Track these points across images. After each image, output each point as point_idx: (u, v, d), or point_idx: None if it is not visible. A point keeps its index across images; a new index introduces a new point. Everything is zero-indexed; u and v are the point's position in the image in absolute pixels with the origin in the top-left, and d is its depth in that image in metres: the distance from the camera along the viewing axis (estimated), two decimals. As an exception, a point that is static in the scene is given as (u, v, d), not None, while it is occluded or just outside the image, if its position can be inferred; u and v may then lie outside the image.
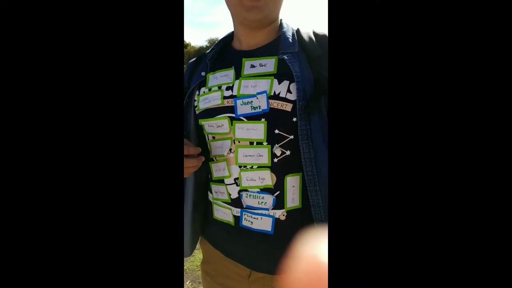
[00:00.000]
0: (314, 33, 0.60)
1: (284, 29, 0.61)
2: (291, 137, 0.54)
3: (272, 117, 0.55)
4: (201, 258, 0.75)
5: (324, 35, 0.59)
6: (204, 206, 0.67)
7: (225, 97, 0.59)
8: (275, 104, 0.54)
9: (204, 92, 0.62)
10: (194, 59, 0.71)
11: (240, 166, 0.58)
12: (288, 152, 0.55)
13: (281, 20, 0.65)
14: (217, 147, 0.61)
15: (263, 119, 0.55)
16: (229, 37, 0.68)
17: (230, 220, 0.60)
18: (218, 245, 0.65)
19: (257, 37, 0.62)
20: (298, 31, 0.61)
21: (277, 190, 0.56)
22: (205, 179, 0.67)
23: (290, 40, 0.59)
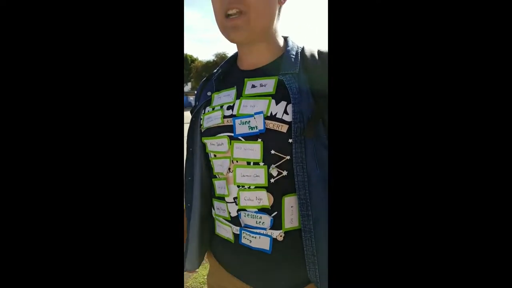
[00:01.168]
0: (319, 52, 0.59)
1: (288, 48, 0.61)
2: (288, 157, 0.54)
3: (268, 138, 0.54)
4: (204, 275, 0.74)
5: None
6: (212, 220, 0.68)
7: (225, 116, 0.59)
8: (271, 125, 0.54)
9: (208, 111, 0.63)
10: (205, 78, 0.72)
11: (238, 186, 0.58)
12: (285, 173, 0.55)
13: (287, 37, 0.65)
14: (218, 165, 0.61)
15: (259, 140, 0.55)
16: (235, 57, 0.69)
17: (230, 237, 0.60)
18: (220, 259, 0.66)
19: (256, 56, 0.61)
20: (303, 50, 0.61)
21: (275, 211, 0.56)
22: (211, 193, 0.68)
23: (293, 60, 0.58)
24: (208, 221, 0.67)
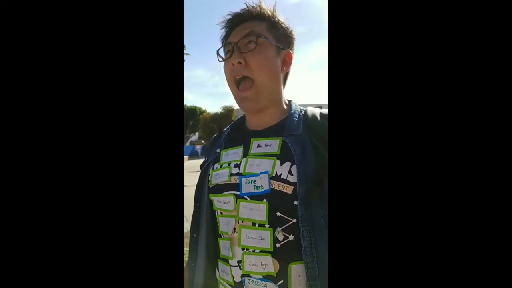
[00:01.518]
0: (321, 114, 0.62)
1: (292, 111, 0.65)
2: (294, 220, 0.53)
3: (274, 199, 0.54)
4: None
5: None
6: (216, 282, 0.65)
7: (232, 174, 0.61)
8: (276, 185, 0.54)
9: (216, 167, 0.65)
10: (215, 135, 0.77)
11: (243, 249, 0.57)
12: (291, 237, 0.53)
13: (290, 101, 0.69)
14: (224, 224, 0.61)
15: (265, 200, 0.55)
16: (244, 117, 0.73)
17: None
18: None
19: (263, 119, 0.65)
20: (305, 112, 0.64)
21: (280, 279, 0.53)
22: (216, 252, 0.65)
23: (296, 122, 0.61)
24: (212, 282, 0.64)
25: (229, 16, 0.66)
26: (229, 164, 0.64)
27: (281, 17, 0.66)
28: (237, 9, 0.65)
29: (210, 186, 0.66)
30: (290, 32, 0.67)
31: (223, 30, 0.67)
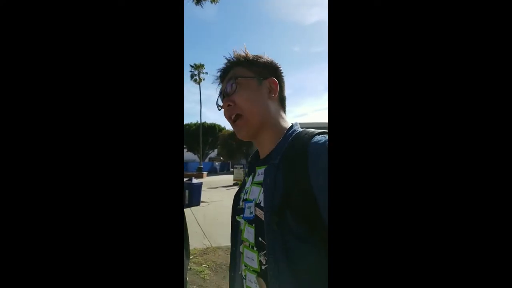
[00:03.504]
0: (307, 137, 0.60)
1: (286, 135, 0.65)
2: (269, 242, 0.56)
3: (257, 225, 0.59)
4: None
5: (320, 144, 0.56)
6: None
7: (243, 200, 0.69)
8: (258, 212, 0.59)
9: (242, 192, 0.73)
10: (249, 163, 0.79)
11: (245, 265, 0.64)
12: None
13: (292, 125, 0.69)
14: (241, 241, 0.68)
15: (253, 225, 0.60)
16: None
17: None
18: None
19: (263, 145, 0.69)
20: (293, 137, 0.63)
21: None
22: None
23: (281, 149, 0.62)
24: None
25: (218, 73, 0.74)
26: (245, 191, 0.71)
27: (257, 55, 0.72)
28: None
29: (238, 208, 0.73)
30: (270, 63, 0.71)
31: (218, 85, 0.74)
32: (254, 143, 0.74)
